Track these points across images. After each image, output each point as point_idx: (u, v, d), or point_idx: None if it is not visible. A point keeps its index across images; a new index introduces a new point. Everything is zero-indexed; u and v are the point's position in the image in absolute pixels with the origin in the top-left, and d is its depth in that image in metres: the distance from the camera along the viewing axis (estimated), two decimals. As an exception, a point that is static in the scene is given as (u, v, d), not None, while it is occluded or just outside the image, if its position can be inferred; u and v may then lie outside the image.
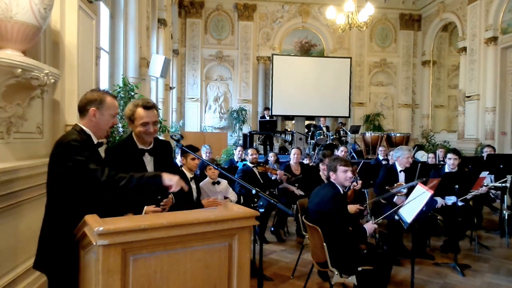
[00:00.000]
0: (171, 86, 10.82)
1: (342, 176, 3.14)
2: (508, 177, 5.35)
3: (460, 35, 11.87)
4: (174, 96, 12.27)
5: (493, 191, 5.44)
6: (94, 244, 1.53)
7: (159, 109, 5.99)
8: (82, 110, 2.11)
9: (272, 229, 5.22)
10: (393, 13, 14.06)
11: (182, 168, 3.80)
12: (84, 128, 2.07)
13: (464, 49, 11.52)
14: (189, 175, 3.66)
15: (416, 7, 14.02)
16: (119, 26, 5.81)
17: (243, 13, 13.24)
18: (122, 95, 4.74)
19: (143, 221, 1.65)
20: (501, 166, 5.44)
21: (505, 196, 5.32)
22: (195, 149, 4.14)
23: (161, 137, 5.88)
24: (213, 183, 4.14)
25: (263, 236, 4.98)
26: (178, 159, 4.99)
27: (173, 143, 2.55)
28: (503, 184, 5.27)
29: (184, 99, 13.19)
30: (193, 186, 3.71)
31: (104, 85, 5.52)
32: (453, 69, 13.61)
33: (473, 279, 3.90)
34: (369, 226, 3.08)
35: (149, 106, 2.37)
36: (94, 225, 1.53)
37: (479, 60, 10.82)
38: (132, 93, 4.82)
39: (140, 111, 2.34)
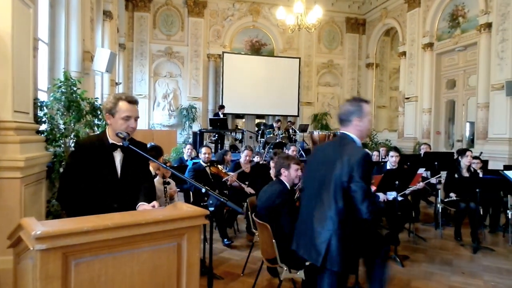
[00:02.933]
0: (117, 81, 10.38)
1: (294, 174, 3.29)
2: (442, 173, 5.78)
3: (400, 40, 12.60)
4: (120, 92, 11.80)
5: (434, 181, 5.81)
6: (31, 249, 1.43)
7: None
8: None
9: (226, 241, 5.09)
10: (340, 17, 14.59)
11: None
12: None
13: (404, 53, 12.25)
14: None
15: (361, 11, 14.67)
16: (60, 17, 5.46)
17: (193, 9, 13.04)
18: (63, 89, 4.46)
19: (86, 222, 1.56)
20: (436, 163, 5.87)
21: (439, 190, 5.75)
22: (160, 151, 4.02)
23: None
24: (164, 183, 4.03)
25: (227, 237, 4.92)
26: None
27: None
28: (438, 179, 5.69)
29: (132, 96, 12.71)
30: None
31: (43, 78, 5.17)
32: (394, 71, 14.42)
33: (411, 268, 4.17)
34: None
35: (133, 101, 2.33)
36: (31, 228, 1.43)
37: (417, 64, 11.56)
38: (75, 88, 4.55)
39: (123, 104, 2.27)
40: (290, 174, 3.27)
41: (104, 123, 4.90)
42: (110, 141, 2.32)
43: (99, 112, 4.85)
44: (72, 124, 4.44)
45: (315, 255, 2.30)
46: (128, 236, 1.61)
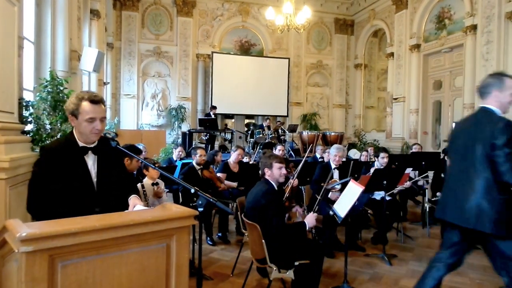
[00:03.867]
0: (105, 81, 10.27)
1: (277, 173, 3.25)
2: (430, 173, 5.86)
3: (388, 41, 12.73)
4: (108, 92, 11.66)
5: (420, 183, 5.93)
6: (16, 251, 1.40)
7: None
8: None
9: (219, 234, 5.10)
10: (329, 17, 14.68)
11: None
12: None
13: (391, 54, 12.38)
14: None
15: (350, 12, 14.78)
16: (46, 15, 5.37)
17: (182, 9, 12.97)
18: (49, 89, 4.39)
19: (73, 224, 1.54)
20: (423, 163, 5.95)
21: (426, 190, 5.82)
22: (137, 150, 3.97)
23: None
24: (152, 184, 4.00)
25: (211, 237, 4.92)
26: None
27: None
28: (425, 179, 5.76)
29: (120, 96, 12.59)
30: None
31: (29, 77, 5.09)
32: (382, 72, 14.55)
33: (399, 267, 4.21)
34: (310, 218, 3.16)
35: (97, 100, 2.13)
36: (16, 230, 1.40)
37: (404, 65, 11.70)
38: (61, 88, 4.49)
39: (85, 105, 2.09)
40: (273, 173, 3.25)
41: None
42: (80, 144, 2.16)
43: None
44: (58, 124, 4.38)
45: (465, 219, 2.50)
46: (116, 238, 1.60)
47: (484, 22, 8.65)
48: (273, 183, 3.26)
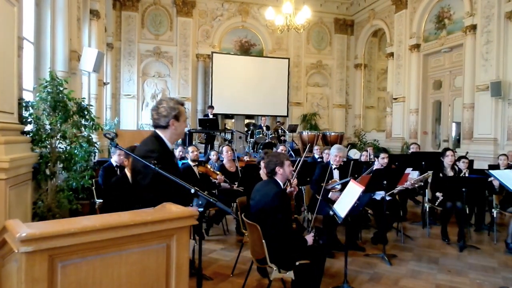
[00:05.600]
0: (105, 81, 10.26)
1: (288, 170, 3.25)
2: (429, 172, 5.85)
3: (388, 41, 12.73)
4: (108, 92, 11.65)
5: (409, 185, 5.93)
6: (16, 251, 1.40)
7: (92, 106, 5.67)
8: None
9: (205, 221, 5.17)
10: (329, 17, 14.67)
11: (125, 169, 3.65)
12: None
13: (391, 54, 12.38)
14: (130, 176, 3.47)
15: (349, 12, 14.78)
16: (46, 15, 5.37)
17: (182, 9, 12.97)
18: (49, 89, 4.39)
19: (73, 224, 1.54)
20: (423, 162, 5.95)
21: (426, 190, 5.82)
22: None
23: (94, 135, 5.55)
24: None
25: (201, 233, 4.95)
26: (114, 159, 4.75)
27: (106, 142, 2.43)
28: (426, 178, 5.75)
29: (119, 96, 12.59)
30: None
31: (28, 78, 5.09)
32: (382, 72, 14.54)
33: (399, 267, 4.21)
34: (309, 238, 3.17)
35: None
36: (15, 230, 1.40)
37: (404, 65, 11.69)
38: (61, 88, 4.49)
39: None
40: (285, 171, 3.22)
41: (92, 124, 4.83)
42: (169, 145, 2.42)
43: (86, 113, 4.79)
44: (58, 125, 4.38)
45: None
46: (116, 238, 1.59)
47: (484, 22, 8.65)
48: (280, 183, 3.24)
